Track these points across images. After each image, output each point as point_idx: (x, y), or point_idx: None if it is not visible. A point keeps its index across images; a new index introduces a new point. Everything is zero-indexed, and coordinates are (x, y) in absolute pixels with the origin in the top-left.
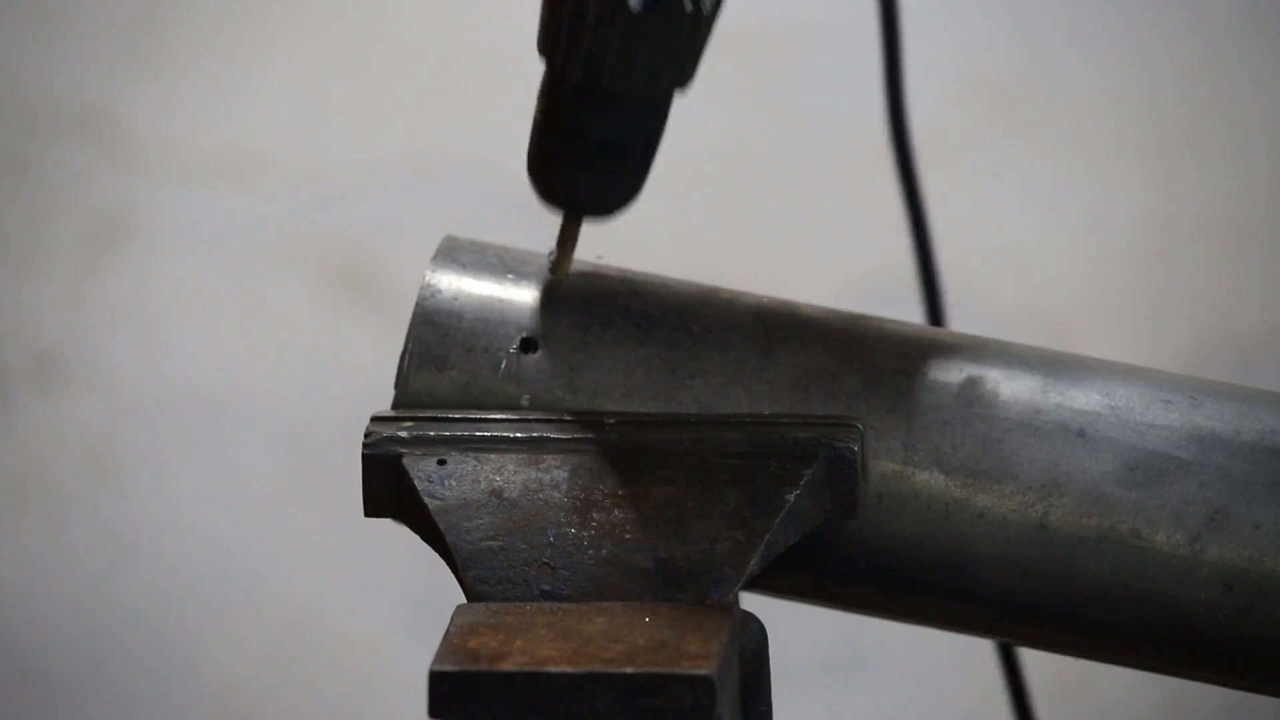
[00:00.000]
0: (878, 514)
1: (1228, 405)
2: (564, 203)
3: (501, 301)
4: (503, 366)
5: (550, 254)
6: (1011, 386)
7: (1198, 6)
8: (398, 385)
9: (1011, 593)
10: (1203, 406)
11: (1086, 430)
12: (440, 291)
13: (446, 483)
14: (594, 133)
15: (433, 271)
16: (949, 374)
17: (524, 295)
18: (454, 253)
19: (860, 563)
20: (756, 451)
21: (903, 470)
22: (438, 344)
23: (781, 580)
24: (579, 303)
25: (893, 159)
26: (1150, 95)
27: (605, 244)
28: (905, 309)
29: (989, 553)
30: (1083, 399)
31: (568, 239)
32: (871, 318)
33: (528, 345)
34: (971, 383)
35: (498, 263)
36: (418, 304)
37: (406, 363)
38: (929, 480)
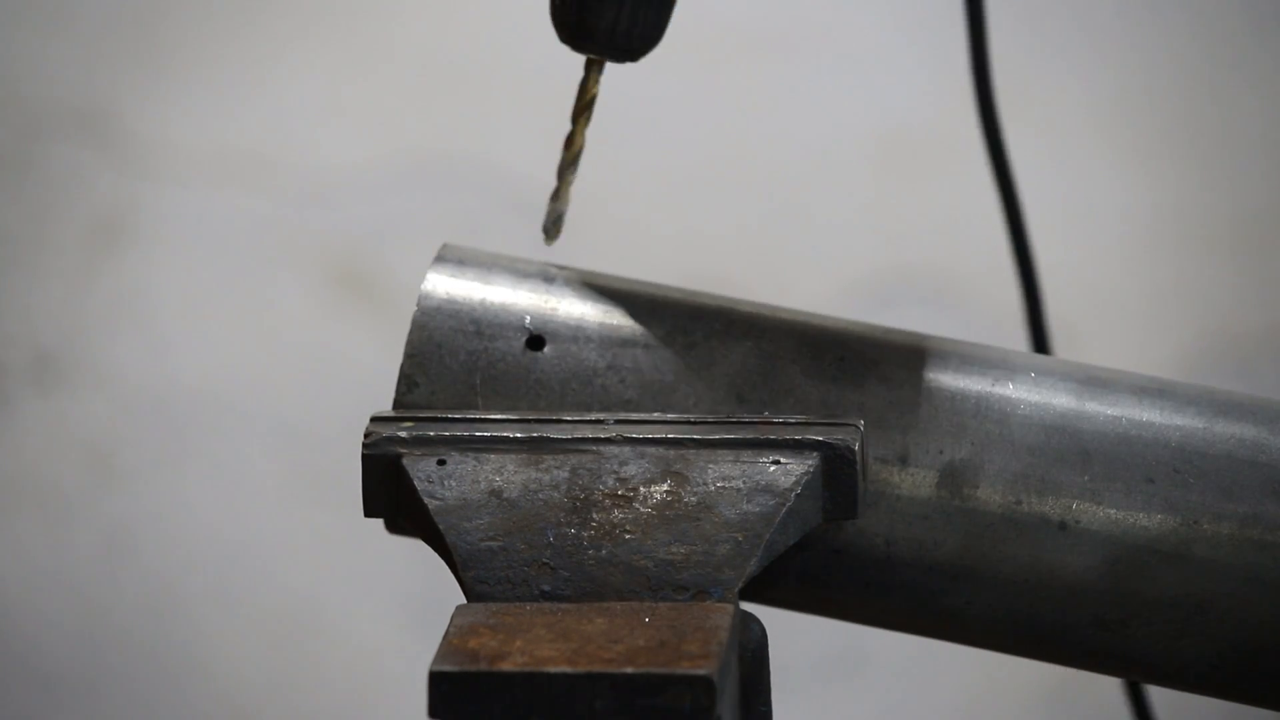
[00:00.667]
0: (867, 595)
1: (1213, 480)
2: (587, 37)
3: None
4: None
5: (546, 223)
6: (992, 473)
7: (1198, 6)
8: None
9: (1006, 647)
10: (1187, 482)
11: (1067, 523)
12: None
13: (446, 483)
14: None
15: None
16: (929, 458)
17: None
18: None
19: (855, 616)
20: (756, 451)
21: (886, 562)
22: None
23: (779, 595)
24: (554, 386)
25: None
26: (1150, 95)
27: (607, 244)
28: (903, 310)
29: (980, 627)
30: (1064, 480)
31: (587, 90)
32: (853, 379)
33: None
34: (952, 471)
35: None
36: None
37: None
38: (913, 576)
